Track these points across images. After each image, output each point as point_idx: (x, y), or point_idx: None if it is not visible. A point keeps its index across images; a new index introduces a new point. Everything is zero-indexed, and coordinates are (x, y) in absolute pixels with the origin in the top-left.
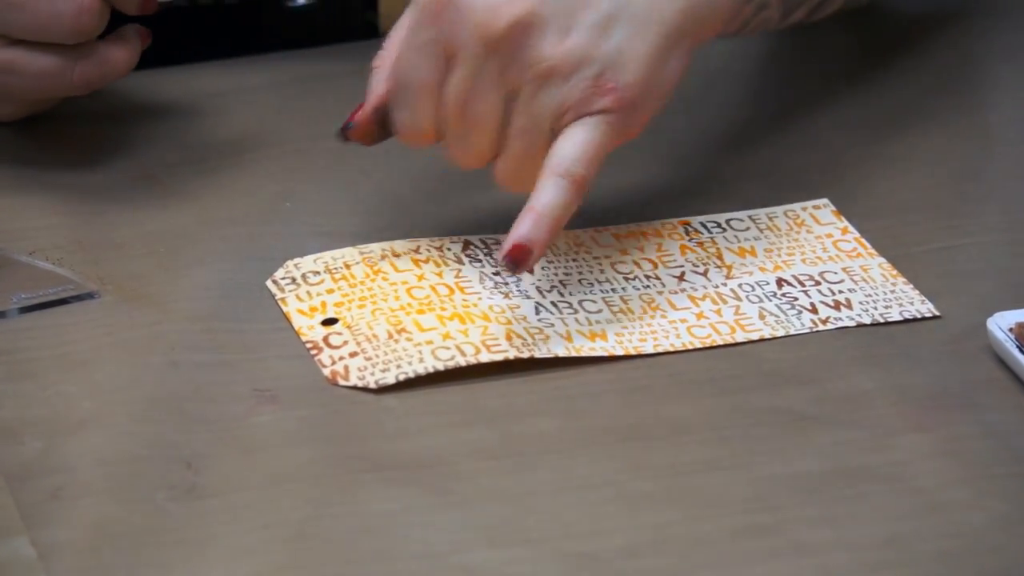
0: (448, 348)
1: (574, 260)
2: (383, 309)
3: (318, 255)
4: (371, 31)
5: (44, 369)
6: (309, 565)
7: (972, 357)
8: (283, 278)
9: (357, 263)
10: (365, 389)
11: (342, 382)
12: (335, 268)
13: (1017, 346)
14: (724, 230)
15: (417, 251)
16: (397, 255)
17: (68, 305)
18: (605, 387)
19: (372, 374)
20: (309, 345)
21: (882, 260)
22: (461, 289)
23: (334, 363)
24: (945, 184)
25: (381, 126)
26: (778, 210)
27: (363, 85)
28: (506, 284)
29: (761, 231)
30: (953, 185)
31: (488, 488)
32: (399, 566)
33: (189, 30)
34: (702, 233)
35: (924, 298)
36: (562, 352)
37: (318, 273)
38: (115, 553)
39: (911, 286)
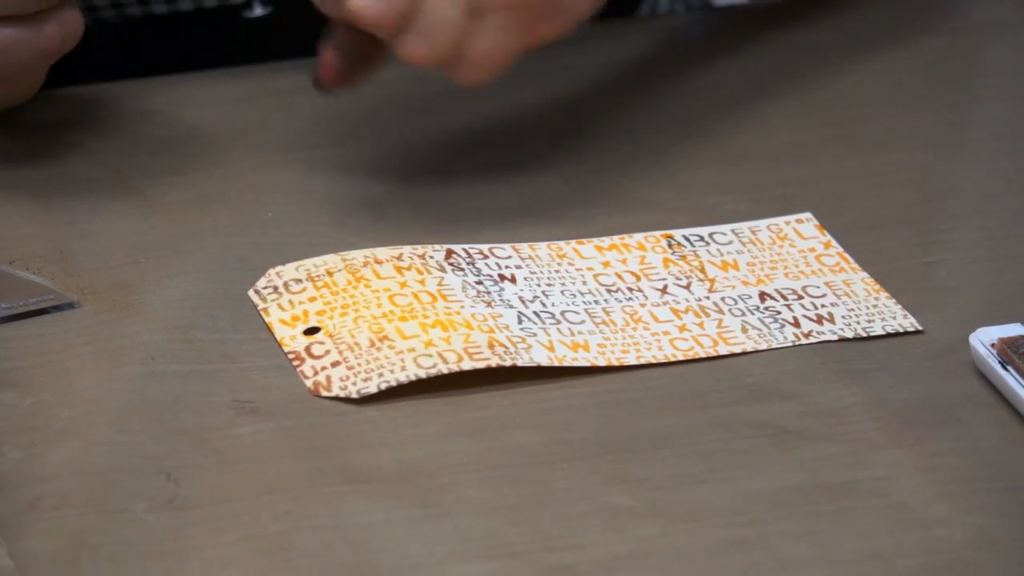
0: (430, 356)
1: (556, 271)
2: (365, 317)
3: (300, 263)
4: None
5: (24, 379)
6: None
7: (954, 372)
8: (265, 287)
9: (339, 270)
10: (347, 400)
11: (324, 393)
12: (317, 275)
13: (999, 362)
14: (707, 243)
15: (400, 258)
16: (379, 262)
17: (48, 315)
18: (587, 400)
19: (354, 384)
20: (291, 356)
21: (865, 275)
22: (443, 297)
23: (316, 373)
24: (928, 200)
25: (348, 63)
26: (761, 224)
27: (340, 100)
28: (488, 294)
29: (744, 244)
30: (936, 201)
31: (469, 500)
32: None
33: (142, 43)
34: (685, 246)
35: (907, 312)
36: (544, 361)
37: (300, 281)
38: (94, 565)
39: (894, 300)
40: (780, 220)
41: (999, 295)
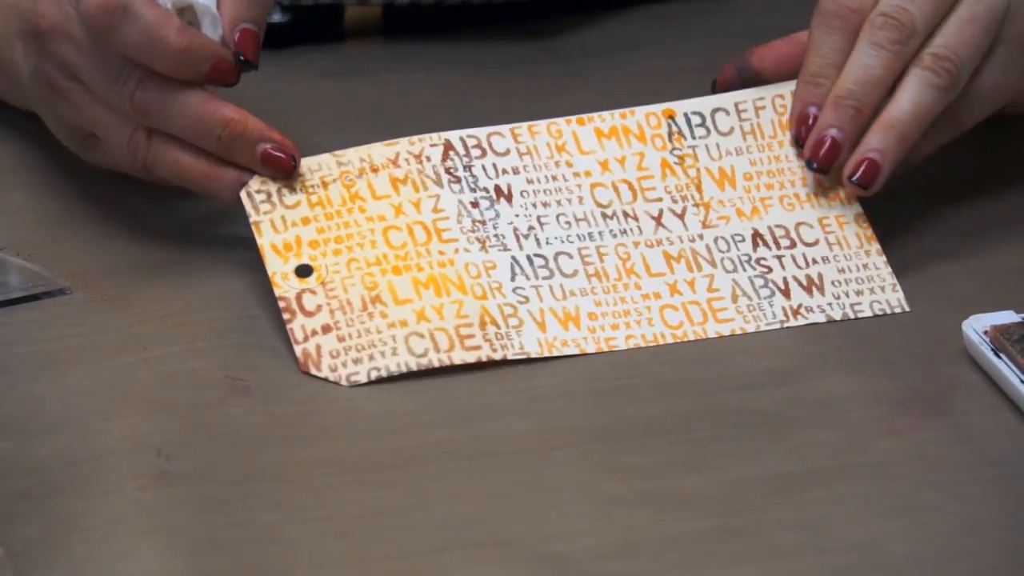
0: (422, 335)
1: (554, 179)
2: (359, 260)
3: None
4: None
5: (14, 366)
6: (279, 569)
7: (946, 360)
8: (258, 191)
9: (334, 181)
10: (338, 384)
11: (313, 370)
12: (312, 185)
13: (992, 349)
14: (708, 132)
15: (396, 162)
16: (375, 169)
17: (39, 301)
18: (578, 388)
19: (344, 364)
20: (282, 304)
21: (858, 210)
22: (439, 233)
23: (306, 338)
24: (920, 187)
25: (739, 74)
26: (767, 95)
27: (339, 87)
28: (484, 224)
29: (744, 136)
30: (928, 187)
31: (461, 488)
32: (371, 568)
33: None
34: (685, 137)
35: (895, 282)
36: (535, 351)
37: (294, 191)
38: (85, 547)
39: (884, 259)
40: (786, 89)
41: (991, 283)
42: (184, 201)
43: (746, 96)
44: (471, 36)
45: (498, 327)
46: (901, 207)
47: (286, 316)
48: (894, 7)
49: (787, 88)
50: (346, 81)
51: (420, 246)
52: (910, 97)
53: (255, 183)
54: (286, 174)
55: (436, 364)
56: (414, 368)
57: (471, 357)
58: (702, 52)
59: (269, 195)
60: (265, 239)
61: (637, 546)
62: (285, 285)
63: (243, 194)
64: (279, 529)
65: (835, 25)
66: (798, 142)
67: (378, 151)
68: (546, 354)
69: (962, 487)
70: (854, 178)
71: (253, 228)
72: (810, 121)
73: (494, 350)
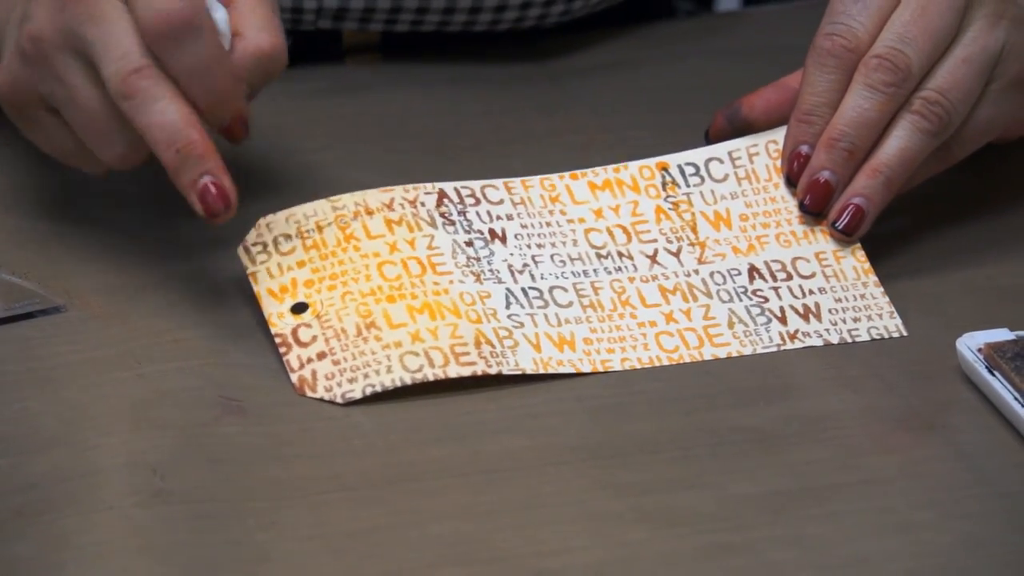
0: (417, 354)
1: (547, 225)
2: (353, 293)
3: (290, 212)
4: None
5: (9, 384)
6: None
7: (941, 378)
8: (255, 244)
9: (329, 224)
10: (332, 403)
11: (309, 392)
12: (307, 230)
13: (986, 367)
14: (702, 179)
15: (391, 207)
16: (370, 212)
17: (34, 319)
18: (574, 405)
19: (339, 384)
20: (278, 340)
21: (855, 244)
22: (433, 266)
23: (302, 366)
24: (914, 205)
25: (730, 124)
26: (760, 143)
27: (336, 104)
28: (478, 261)
29: (739, 181)
30: (922, 206)
31: (456, 505)
32: None
33: None
34: (679, 186)
35: (892, 310)
36: (530, 367)
37: (290, 238)
38: (79, 564)
39: (881, 290)
40: (779, 135)
41: (985, 300)
42: (179, 219)
43: (739, 144)
44: (468, 55)
45: (493, 346)
46: (894, 225)
47: (282, 350)
48: (889, 49)
49: (780, 134)
50: (343, 98)
51: (415, 278)
52: (898, 143)
53: (251, 237)
54: (210, 215)
55: (431, 378)
56: (408, 382)
57: (466, 371)
58: (698, 71)
59: (265, 246)
60: (261, 286)
61: (633, 563)
62: (281, 323)
63: (239, 249)
64: (274, 547)
65: (830, 64)
66: (789, 180)
67: (373, 196)
68: (541, 371)
69: (957, 504)
70: (838, 224)
71: (250, 279)
72: (802, 160)
73: (489, 366)
